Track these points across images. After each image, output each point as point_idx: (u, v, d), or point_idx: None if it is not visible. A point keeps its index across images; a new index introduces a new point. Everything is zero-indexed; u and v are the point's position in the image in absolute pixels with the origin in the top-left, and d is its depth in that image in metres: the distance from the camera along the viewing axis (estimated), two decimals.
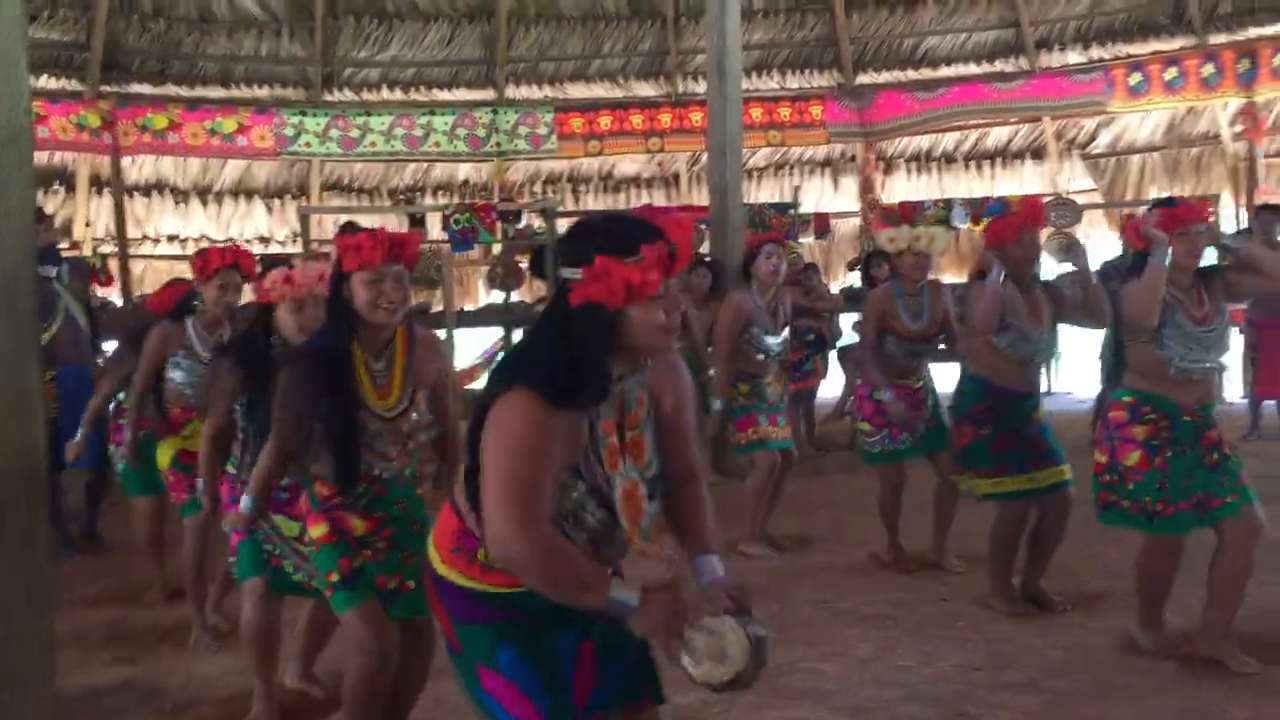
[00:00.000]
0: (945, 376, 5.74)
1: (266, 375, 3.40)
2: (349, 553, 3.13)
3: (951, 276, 13.28)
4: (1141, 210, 4.37)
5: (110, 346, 6.68)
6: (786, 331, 5.93)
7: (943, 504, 5.50)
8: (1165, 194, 13.02)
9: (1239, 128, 12.34)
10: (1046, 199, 12.08)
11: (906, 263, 5.39)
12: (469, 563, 2.20)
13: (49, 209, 12.53)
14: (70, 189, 12.88)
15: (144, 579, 5.50)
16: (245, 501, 3.33)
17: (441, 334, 9.12)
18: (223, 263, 4.45)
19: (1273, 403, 8.72)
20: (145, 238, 13.17)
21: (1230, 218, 11.75)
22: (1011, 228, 4.65)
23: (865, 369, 5.60)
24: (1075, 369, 11.30)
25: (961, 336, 5.10)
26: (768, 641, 2.06)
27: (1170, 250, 3.92)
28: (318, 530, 3.17)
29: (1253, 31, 12.19)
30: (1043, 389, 4.86)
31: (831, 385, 10.03)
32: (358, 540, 3.15)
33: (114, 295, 11.25)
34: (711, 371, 7.64)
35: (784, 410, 6.06)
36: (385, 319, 3.06)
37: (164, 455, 4.73)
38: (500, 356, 2.38)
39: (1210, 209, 4.69)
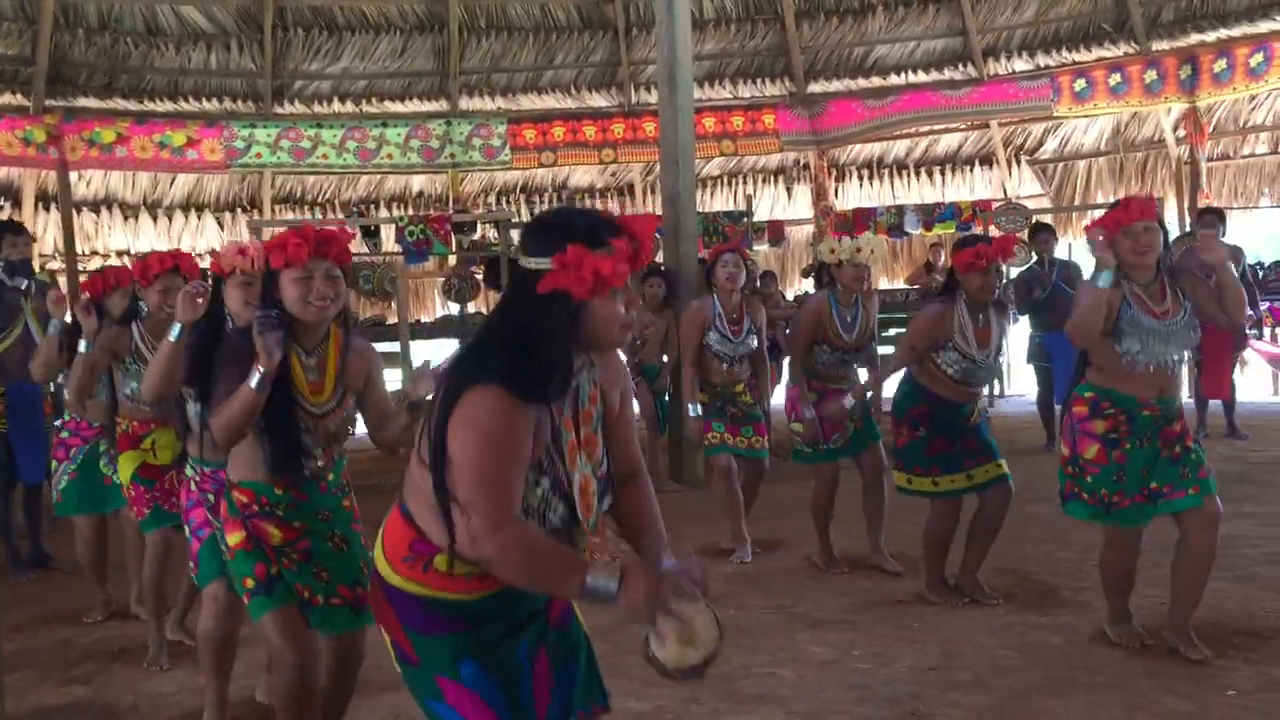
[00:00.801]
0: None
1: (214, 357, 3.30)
2: (264, 559, 3.07)
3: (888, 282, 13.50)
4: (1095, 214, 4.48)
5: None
6: (754, 340, 6.02)
7: (872, 505, 5.66)
8: (1111, 198, 13.28)
9: (1182, 132, 12.58)
10: (996, 204, 12.25)
11: (846, 274, 5.48)
12: (424, 570, 2.17)
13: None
14: (16, 205, 12.71)
15: (94, 598, 5.44)
16: (254, 377, 2.94)
17: (396, 346, 9.10)
18: (163, 267, 4.40)
19: (1219, 402, 8.91)
20: (94, 254, 13.00)
21: (1174, 221, 11.97)
22: (981, 257, 4.75)
23: (793, 379, 5.72)
24: (1027, 372, 11.46)
25: (899, 351, 5.16)
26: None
27: (1113, 256, 4.03)
28: (234, 537, 3.11)
29: (1194, 38, 12.43)
30: (993, 393, 4.99)
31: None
32: (275, 550, 3.09)
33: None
34: (667, 378, 7.72)
35: (760, 420, 6.11)
36: (316, 316, 3.03)
37: (124, 470, 4.64)
38: (454, 354, 2.33)
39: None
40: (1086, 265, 4.32)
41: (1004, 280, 4.87)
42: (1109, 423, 4.09)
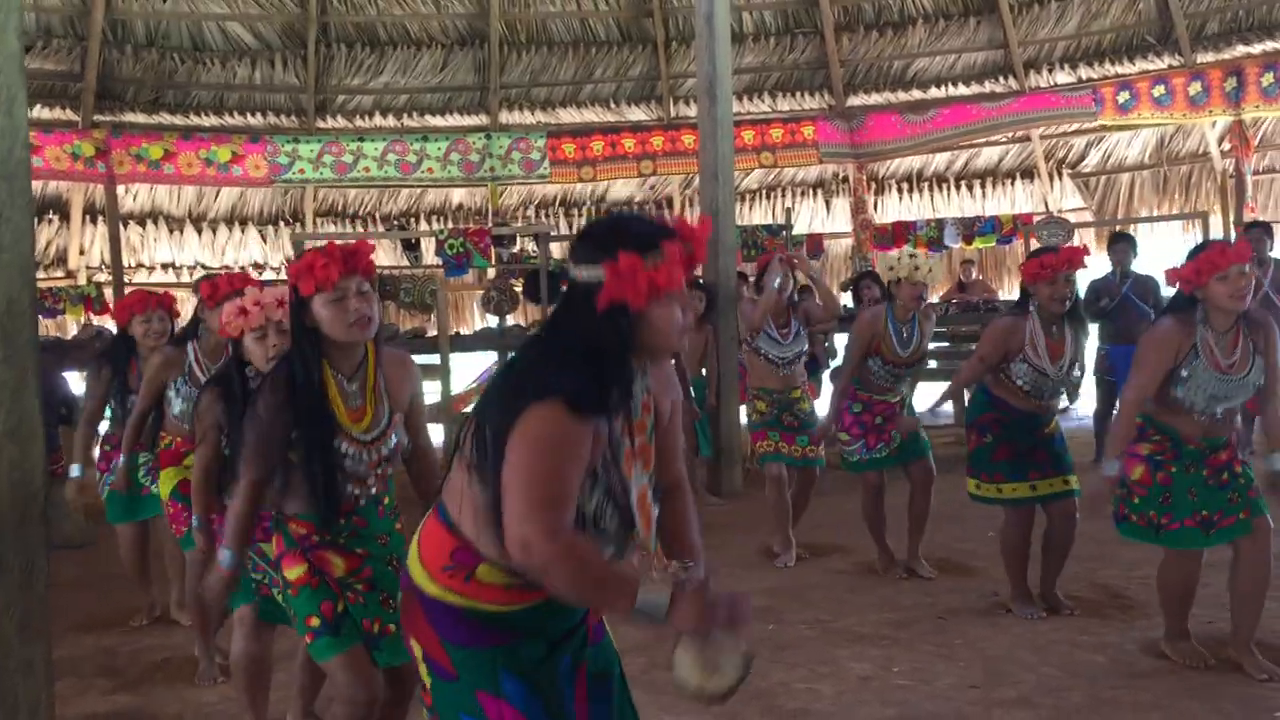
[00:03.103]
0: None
1: (245, 406, 3.29)
2: (331, 596, 2.96)
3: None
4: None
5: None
6: (804, 343, 6.24)
7: (916, 513, 5.76)
8: (1154, 212, 13.16)
9: (1227, 145, 12.44)
10: (1037, 217, 12.16)
11: (905, 291, 5.52)
12: (465, 581, 2.13)
13: (43, 237, 12.61)
14: (65, 218, 12.93)
15: (138, 603, 5.55)
16: (224, 555, 3.05)
17: (436, 359, 9.16)
18: (232, 288, 4.43)
19: None
20: (140, 266, 13.22)
21: (1219, 235, 11.82)
22: (1046, 267, 4.73)
23: (839, 385, 5.86)
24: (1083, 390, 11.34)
25: (970, 362, 5.16)
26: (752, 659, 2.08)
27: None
28: (294, 572, 2.99)
29: (1240, 50, 12.30)
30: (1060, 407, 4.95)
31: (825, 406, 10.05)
32: (338, 581, 2.99)
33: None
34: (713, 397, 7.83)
35: (814, 430, 6.19)
36: (360, 335, 2.91)
37: (165, 486, 4.69)
38: (504, 370, 2.29)
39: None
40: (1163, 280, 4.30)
41: (1075, 291, 4.82)
42: (1154, 446, 4.07)
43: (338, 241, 3.02)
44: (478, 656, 2.13)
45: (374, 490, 3.04)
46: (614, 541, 2.12)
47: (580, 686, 2.18)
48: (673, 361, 2.38)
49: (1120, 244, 8.74)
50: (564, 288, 2.17)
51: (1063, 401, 4.96)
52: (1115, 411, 4.43)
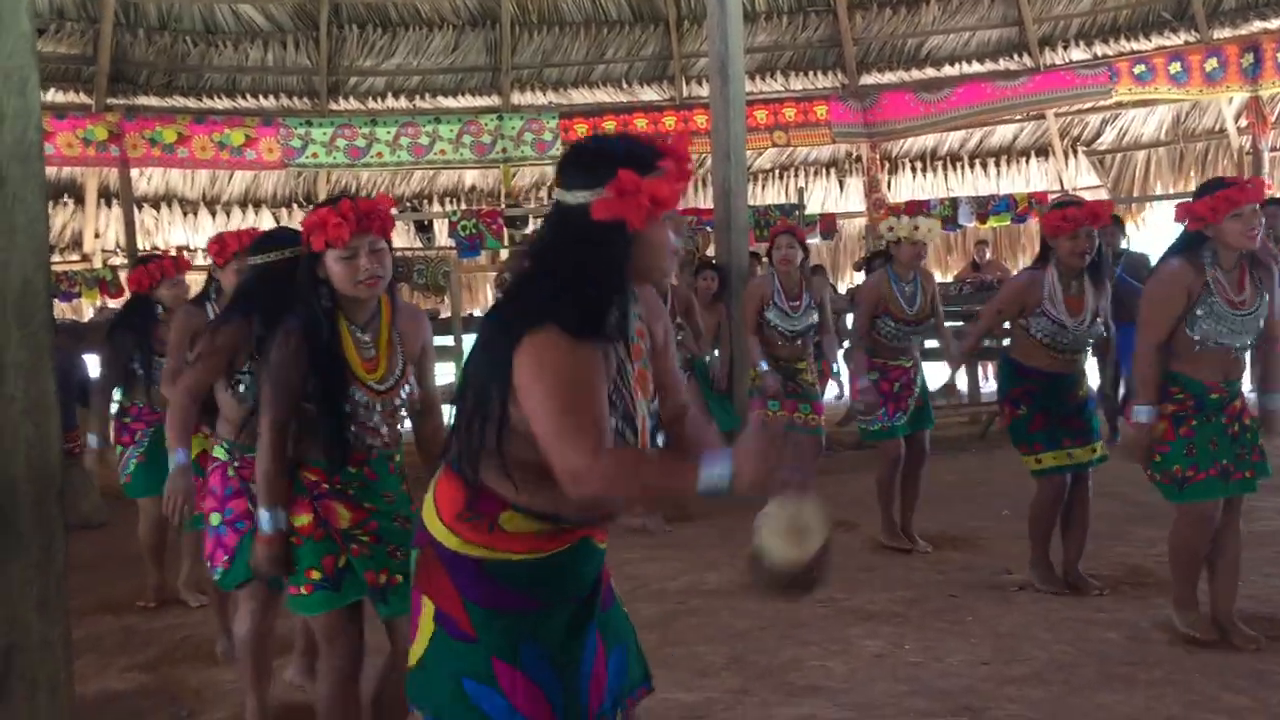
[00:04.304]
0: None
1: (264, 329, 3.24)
2: (334, 550, 2.94)
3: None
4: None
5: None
6: (814, 315, 6.36)
7: (909, 487, 5.87)
8: (1171, 190, 13.08)
9: (1244, 122, 12.35)
10: (1052, 195, 12.10)
11: (904, 251, 5.70)
12: (489, 530, 2.07)
13: (59, 221, 12.67)
14: (80, 201, 12.98)
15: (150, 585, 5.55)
16: (264, 517, 2.96)
17: (450, 340, 9.18)
18: (240, 245, 4.43)
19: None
20: (154, 249, 13.25)
21: None
22: (1069, 220, 4.70)
23: (853, 353, 5.93)
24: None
25: (985, 312, 5.25)
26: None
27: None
28: (301, 520, 2.95)
29: (1257, 25, 12.20)
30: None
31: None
32: (342, 534, 2.95)
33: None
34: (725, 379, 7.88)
35: (818, 399, 6.43)
36: (366, 293, 2.90)
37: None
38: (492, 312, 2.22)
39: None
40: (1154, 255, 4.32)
41: (1096, 247, 4.77)
42: (1178, 406, 4.08)
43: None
44: (502, 620, 2.07)
45: (387, 439, 3.03)
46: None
47: (599, 667, 2.15)
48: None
49: (1108, 226, 8.70)
50: (549, 216, 2.09)
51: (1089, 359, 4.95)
52: (1130, 369, 4.41)
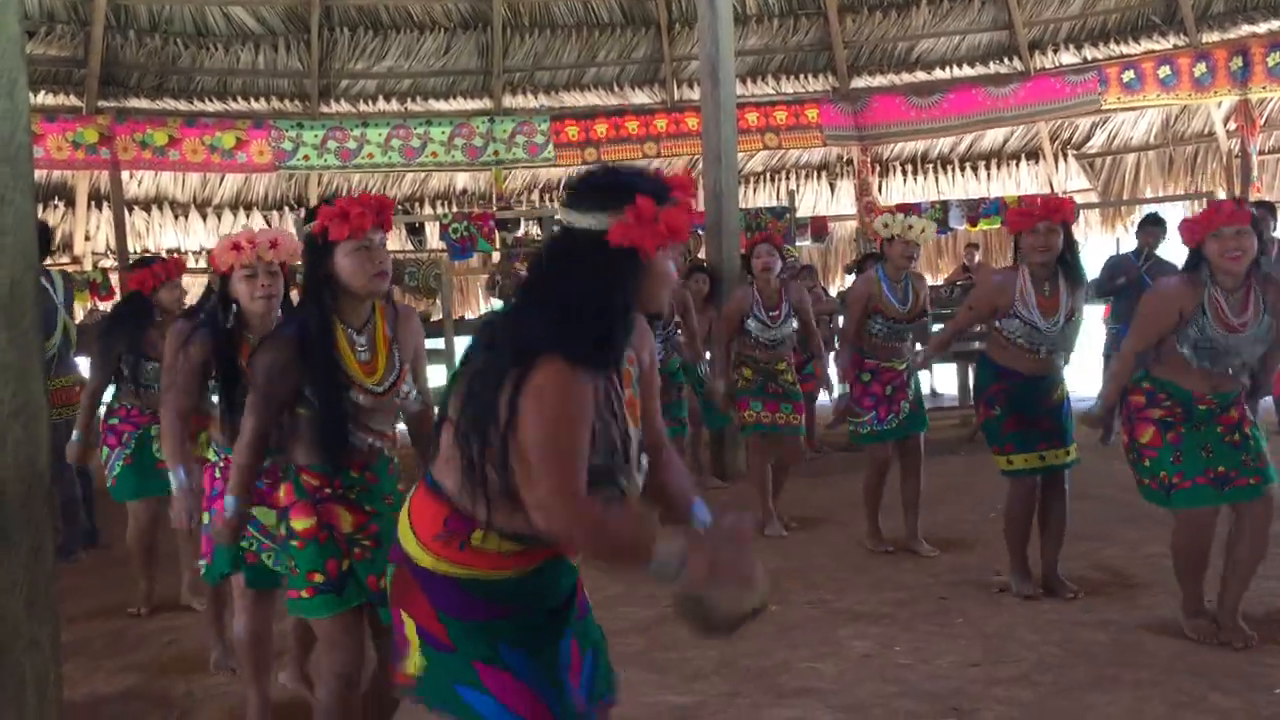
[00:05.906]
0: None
1: (230, 347, 3.33)
2: (337, 553, 2.92)
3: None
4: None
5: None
6: (794, 323, 6.33)
7: (909, 492, 5.86)
8: (1160, 193, 13.13)
9: (1233, 125, 12.40)
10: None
11: (896, 249, 5.67)
12: (460, 549, 2.08)
13: (49, 224, 12.63)
14: (70, 204, 12.96)
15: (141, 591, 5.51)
16: (229, 502, 3.03)
17: (441, 343, 9.18)
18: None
19: (1269, 398, 8.76)
20: (145, 252, 13.24)
21: None
22: (1028, 218, 4.70)
23: (841, 354, 5.92)
24: (1077, 367, 11.35)
25: (959, 310, 5.33)
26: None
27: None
28: (303, 523, 2.93)
29: (1245, 29, 12.25)
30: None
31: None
32: (345, 537, 2.94)
33: None
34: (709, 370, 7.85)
35: (799, 399, 6.42)
36: (379, 286, 2.91)
37: None
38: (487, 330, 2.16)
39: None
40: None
41: (1062, 243, 4.75)
42: (1165, 411, 4.10)
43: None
44: (475, 628, 2.09)
45: (386, 441, 3.04)
46: (613, 496, 2.08)
47: (575, 662, 2.17)
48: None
49: (1152, 226, 8.57)
50: (555, 237, 2.08)
51: (1064, 361, 4.94)
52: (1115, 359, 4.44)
